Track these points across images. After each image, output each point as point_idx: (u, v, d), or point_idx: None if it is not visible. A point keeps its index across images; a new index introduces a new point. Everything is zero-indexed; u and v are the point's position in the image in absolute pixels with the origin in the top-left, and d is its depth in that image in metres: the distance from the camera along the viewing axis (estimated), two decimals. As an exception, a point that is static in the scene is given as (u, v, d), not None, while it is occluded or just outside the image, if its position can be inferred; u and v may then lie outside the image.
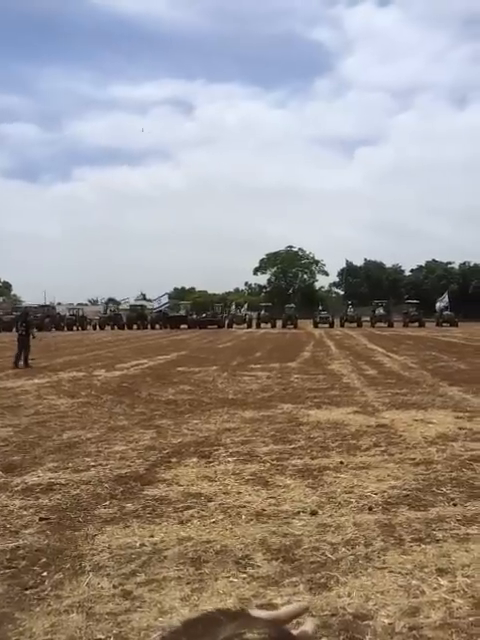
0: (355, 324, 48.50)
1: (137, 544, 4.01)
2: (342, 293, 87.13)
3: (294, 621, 0.65)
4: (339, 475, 5.54)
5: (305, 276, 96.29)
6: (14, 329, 17.10)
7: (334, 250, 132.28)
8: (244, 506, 4.73)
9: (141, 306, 60.12)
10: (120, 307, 62.55)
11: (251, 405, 9.50)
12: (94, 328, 53.13)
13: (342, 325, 48.53)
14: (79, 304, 71.38)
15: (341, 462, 5.97)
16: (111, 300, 66.54)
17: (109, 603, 3.24)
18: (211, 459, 6.19)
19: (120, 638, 2.93)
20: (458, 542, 3.97)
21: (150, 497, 5.00)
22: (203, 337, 33.54)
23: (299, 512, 4.56)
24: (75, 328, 50.91)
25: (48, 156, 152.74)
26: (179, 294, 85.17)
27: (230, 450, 6.54)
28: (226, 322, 51.42)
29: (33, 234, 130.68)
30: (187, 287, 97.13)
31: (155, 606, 3.20)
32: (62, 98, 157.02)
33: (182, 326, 49.90)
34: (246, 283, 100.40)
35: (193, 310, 58.49)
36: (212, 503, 4.82)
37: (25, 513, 4.67)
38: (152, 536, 4.14)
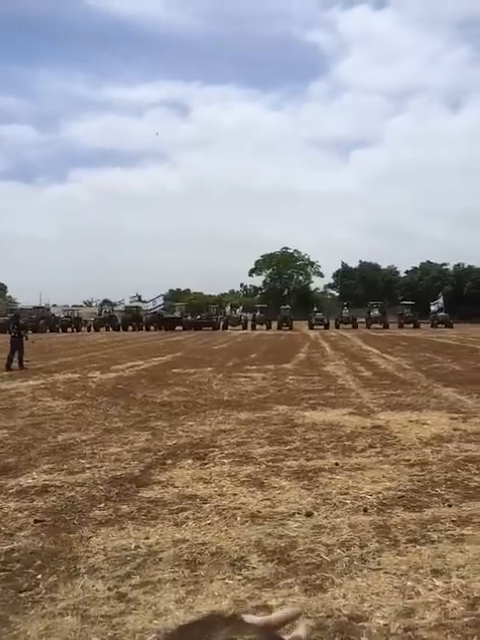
0: (350, 325, 48.67)
1: (132, 546, 4.00)
2: (337, 294, 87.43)
3: (287, 626, 0.65)
4: (334, 476, 5.54)
5: (300, 278, 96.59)
6: (7, 331, 17.11)
7: (329, 252, 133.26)
8: (239, 508, 4.73)
9: (136, 308, 60.04)
10: (115, 308, 62.52)
11: (246, 407, 9.50)
12: (89, 330, 53.06)
13: (337, 326, 48.57)
14: (74, 306, 71.25)
15: (336, 463, 5.97)
16: (106, 301, 66.31)
17: (104, 605, 3.23)
18: (206, 461, 6.18)
19: (115, 641, 2.92)
20: (453, 543, 3.98)
21: (145, 499, 4.99)
22: (198, 338, 33.52)
23: (294, 513, 4.56)
24: (70, 330, 50.70)
25: (44, 157, 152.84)
26: (174, 296, 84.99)
27: (225, 452, 6.53)
28: (221, 324, 51.31)
29: (29, 235, 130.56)
30: (182, 288, 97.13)
31: (150, 608, 3.19)
32: (58, 100, 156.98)
33: (177, 328, 49.83)
34: (241, 285, 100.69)
35: (188, 311, 58.42)
36: (207, 505, 4.82)
37: (20, 515, 4.66)
38: (147, 538, 4.14)
